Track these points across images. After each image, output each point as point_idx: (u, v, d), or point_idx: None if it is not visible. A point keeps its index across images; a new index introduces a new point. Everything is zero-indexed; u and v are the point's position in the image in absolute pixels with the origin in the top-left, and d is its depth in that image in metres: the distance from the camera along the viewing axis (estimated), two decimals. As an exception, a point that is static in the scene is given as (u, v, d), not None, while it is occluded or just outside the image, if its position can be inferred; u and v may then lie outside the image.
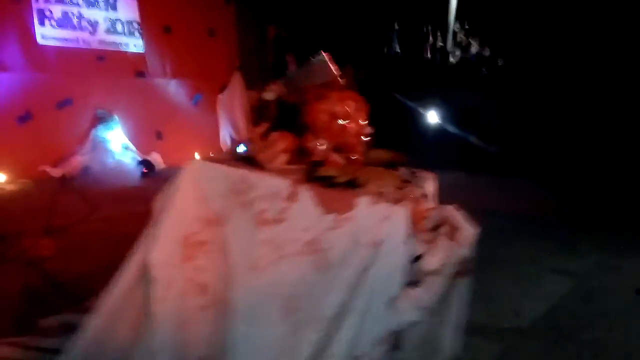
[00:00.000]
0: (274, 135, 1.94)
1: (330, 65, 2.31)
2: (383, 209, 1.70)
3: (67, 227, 4.00)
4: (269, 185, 1.75)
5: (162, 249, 1.71)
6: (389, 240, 1.68)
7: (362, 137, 2.12)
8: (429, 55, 11.53)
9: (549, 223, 4.84)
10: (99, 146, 6.16)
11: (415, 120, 8.86)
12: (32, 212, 4.49)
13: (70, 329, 1.87)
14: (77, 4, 6.47)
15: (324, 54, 2.35)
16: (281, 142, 1.93)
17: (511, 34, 12.86)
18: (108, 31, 6.74)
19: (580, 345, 2.59)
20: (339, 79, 2.27)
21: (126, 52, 6.83)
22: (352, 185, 1.81)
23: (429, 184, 2.11)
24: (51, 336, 2.08)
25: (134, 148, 6.54)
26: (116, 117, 6.51)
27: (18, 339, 2.11)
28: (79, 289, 2.70)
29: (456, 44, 12.16)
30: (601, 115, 8.73)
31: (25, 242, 3.34)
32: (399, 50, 11.25)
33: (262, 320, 1.67)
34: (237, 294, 1.67)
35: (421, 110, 9.14)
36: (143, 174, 6.20)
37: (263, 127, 1.96)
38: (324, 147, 2.04)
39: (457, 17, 11.77)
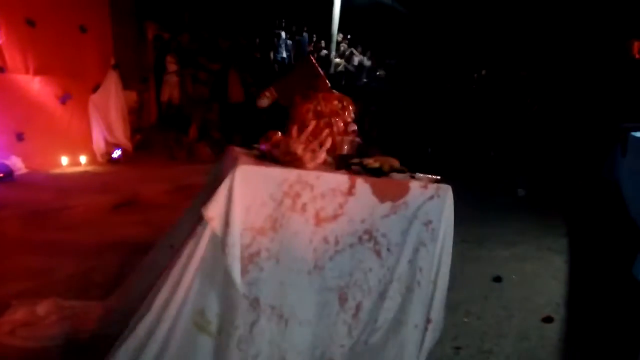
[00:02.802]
0: (325, 132, 1.95)
1: (317, 67, 2.38)
2: (432, 189, 1.84)
3: None
4: (328, 182, 1.75)
5: (237, 266, 1.65)
6: (438, 217, 1.84)
7: (347, 135, 2.16)
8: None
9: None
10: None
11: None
12: None
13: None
14: None
15: (310, 57, 2.46)
16: (329, 140, 1.94)
17: (390, 48, 13.65)
18: (-44, 21, 5.97)
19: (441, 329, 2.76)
20: (326, 81, 2.32)
21: (-21, 44, 6.09)
22: (394, 171, 1.92)
23: None
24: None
25: (-13, 151, 5.84)
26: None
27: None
28: None
29: (339, 53, 12.61)
30: (463, 122, 9.62)
31: None
32: (285, 56, 11.38)
33: (323, 316, 1.76)
34: (294, 299, 1.72)
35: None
36: (-1, 179, 5.54)
37: (311, 126, 1.92)
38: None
39: (340, 29, 12.22)
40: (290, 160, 1.83)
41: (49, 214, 4.43)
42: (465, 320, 2.93)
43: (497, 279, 3.58)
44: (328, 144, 1.93)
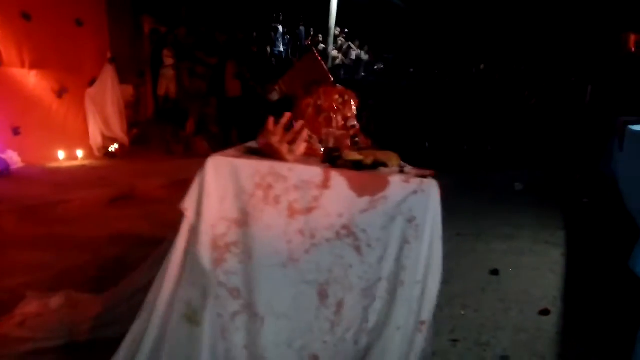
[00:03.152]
0: (298, 124, 1.87)
1: (320, 61, 2.35)
2: (415, 184, 1.73)
3: None
4: (301, 174, 1.71)
5: (206, 254, 1.70)
6: (423, 214, 1.72)
7: (347, 129, 2.13)
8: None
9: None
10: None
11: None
12: None
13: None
14: None
15: (313, 50, 2.43)
16: (305, 132, 1.88)
17: (388, 42, 13.63)
18: (-48, 14, 5.93)
19: (438, 322, 2.77)
20: (329, 75, 2.29)
21: (-26, 38, 6.05)
22: (378, 165, 1.83)
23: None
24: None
25: (-17, 145, 5.80)
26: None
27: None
28: None
29: (336, 47, 12.58)
30: (460, 116, 9.64)
31: None
32: (282, 50, 11.36)
33: (302, 310, 1.72)
34: (271, 294, 1.70)
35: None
36: (-5, 174, 5.52)
37: (285, 118, 1.84)
38: (315, 139, 2.06)
39: (338, 22, 12.20)
40: (271, 153, 1.81)
41: (45, 208, 4.42)
42: (462, 313, 2.93)
43: (495, 272, 3.58)
44: (304, 135, 1.87)
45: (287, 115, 1.85)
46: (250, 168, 1.72)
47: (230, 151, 1.93)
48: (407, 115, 9.88)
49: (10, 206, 4.28)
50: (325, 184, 1.71)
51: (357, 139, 2.19)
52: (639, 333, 2.03)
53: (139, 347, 1.70)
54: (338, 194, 1.71)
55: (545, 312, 2.96)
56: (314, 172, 1.72)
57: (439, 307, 2.89)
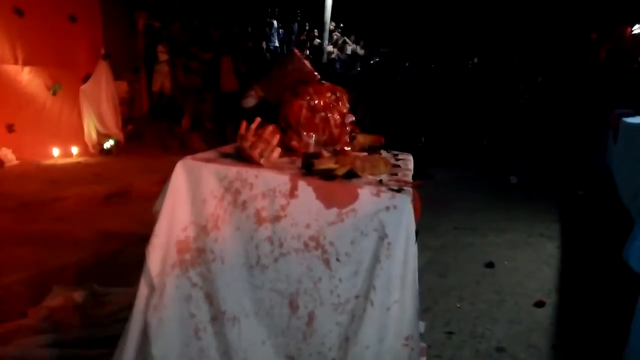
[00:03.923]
0: (268, 128, 1.80)
1: (304, 61, 2.28)
2: (386, 199, 1.61)
3: None
4: (267, 182, 1.67)
5: (158, 256, 1.69)
6: (395, 231, 1.59)
7: (345, 126, 2.08)
8: (307, 51, 11.75)
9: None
10: None
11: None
12: None
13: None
14: None
15: (295, 51, 2.35)
16: (276, 137, 1.81)
17: (383, 36, 13.62)
18: (-57, 10, 5.88)
19: (434, 315, 2.79)
20: (314, 73, 2.22)
21: (-34, 34, 6.01)
22: (352, 176, 1.74)
23: (410, 165, 2.11)
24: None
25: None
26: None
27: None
28: None
29: (332, 42, 12.55)
30: (456, 110, 9.65)
31: None
32: (277, 45, 11.31)
33: (274, 315, 1.69)
34: (243, 294, 1.68)
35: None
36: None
37: (255, 123, 1.79)
38: (312, 141, 2.02)
39: (333, 17, 12.17)
40: (245, 157, 1.77)
41: (40, 205, 4.40)
42: (458, 305, 2.95)
43: (490, 265, 3.60)
44: (275, 141, 1.79)
45: (258, 119, 1.80)
46: (219, 172, 1.71)
47: (207, 153, 1.91)
48: (403, 109, 9.87)
49: (5, 203, 4.26)
50: (292, 193, 1.65)
51: (354, 134, 2.15)
52: (632, 324, 2.04)
53: (126, 341, 1.72)
54: (305, 204, 1.65)
55: (540, 304, 2.98)
56: (281, 180, 1.67)
57: (435, 300, 2.94)
